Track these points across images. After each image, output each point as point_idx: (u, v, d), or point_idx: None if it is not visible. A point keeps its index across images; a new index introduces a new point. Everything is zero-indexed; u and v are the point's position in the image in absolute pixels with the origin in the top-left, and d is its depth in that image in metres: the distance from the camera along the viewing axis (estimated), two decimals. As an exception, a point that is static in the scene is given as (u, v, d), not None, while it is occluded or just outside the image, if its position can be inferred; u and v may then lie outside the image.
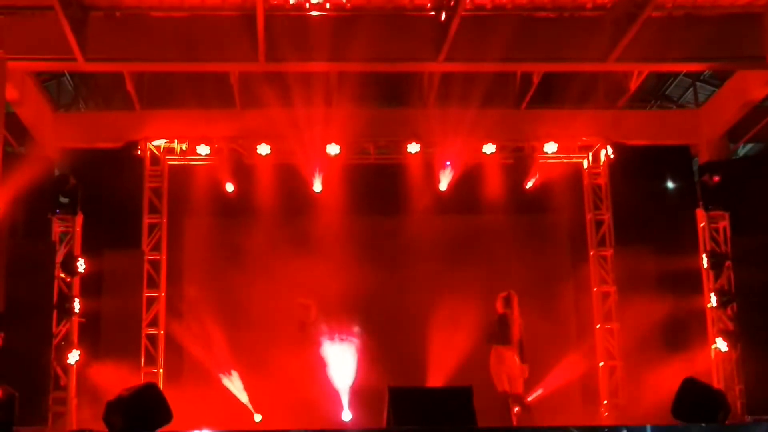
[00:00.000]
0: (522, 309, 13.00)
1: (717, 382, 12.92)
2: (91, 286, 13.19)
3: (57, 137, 13.54)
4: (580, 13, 11.36)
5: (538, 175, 14.22)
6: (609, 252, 14.30)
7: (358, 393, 12.95)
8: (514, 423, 11.47)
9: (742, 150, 15.57)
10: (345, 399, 12.89)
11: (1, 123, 10.99)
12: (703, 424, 7.96)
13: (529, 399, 12.37)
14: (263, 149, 13.90)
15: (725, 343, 13.00)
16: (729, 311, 13.11)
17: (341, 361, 12.75)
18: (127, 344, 13.27)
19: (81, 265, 12.87)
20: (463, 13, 10.48)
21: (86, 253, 13.07)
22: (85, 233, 13.15)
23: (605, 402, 13.87)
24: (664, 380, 13.22)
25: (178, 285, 14.03)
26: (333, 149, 13.77)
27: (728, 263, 13.20)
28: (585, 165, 14.67)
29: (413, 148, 13.96)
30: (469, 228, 14.33)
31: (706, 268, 13.45)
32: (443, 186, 14.04)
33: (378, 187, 14.19)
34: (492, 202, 14.15)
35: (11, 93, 11.58)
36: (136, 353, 13.40)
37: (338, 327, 13.04)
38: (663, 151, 14.41)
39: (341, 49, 11.06)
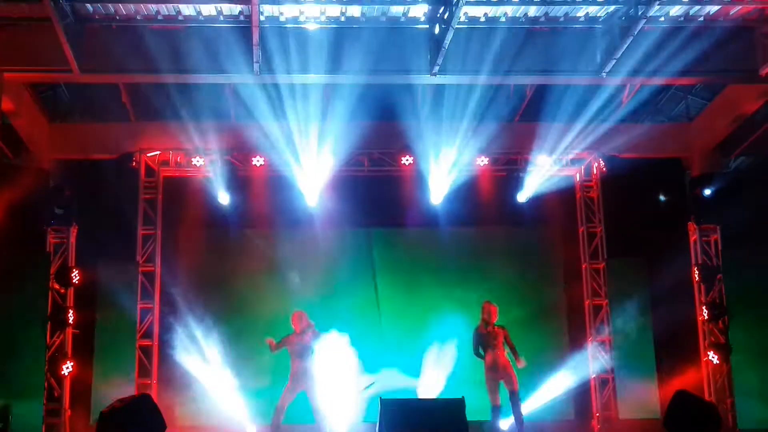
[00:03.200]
0: (514, 321, 13.08)
1: (709, 395, 12.98)
2: (85, 297, 13.19)
3: (52, 149, 13.56)
4: (574, 27, 11.43)
5: (531, 188, 14.27)
6: (601, 265, 14.34)
7: (351, 403, 12.93)
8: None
9: (734, 163, 15.61)
10: (339, 409, 12.87)
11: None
12: (695, 436, 8.00)
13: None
14: (258, 161, 13.95)
15: (717, 356, 13.04)
16: (720, 324, 13.15)
17: (335, 371, 12.72)
18: (121, 355, 13.24)
19: (75, 276, 12.89)
20: (456, 26, 10.54)
21: (80, 264, 13.10)
22: (79, 244, 13.17)
23: (597, 414, 13.88)
24: (656, 393, 13.33)
25: (172, 296, 14.02)
26: (327, 161, 13.81)
27: (719, 276, 13.27)
28: (577, 178, 14.73)
29: (407, 160, 14.03)
30: (461, 240, 14.38)
31: (697, 281, 13.51)
32: (437, 199, 14.05)
33: (372, 199, 14.22)
34: (485, 214, 14.24)
35: (7, 104, 11.62)
36: (130, 364, 13.35)
37: (332, 337, 13.04)
38: (655, 164, 14.46)
39: (335, 62, 11.15)
